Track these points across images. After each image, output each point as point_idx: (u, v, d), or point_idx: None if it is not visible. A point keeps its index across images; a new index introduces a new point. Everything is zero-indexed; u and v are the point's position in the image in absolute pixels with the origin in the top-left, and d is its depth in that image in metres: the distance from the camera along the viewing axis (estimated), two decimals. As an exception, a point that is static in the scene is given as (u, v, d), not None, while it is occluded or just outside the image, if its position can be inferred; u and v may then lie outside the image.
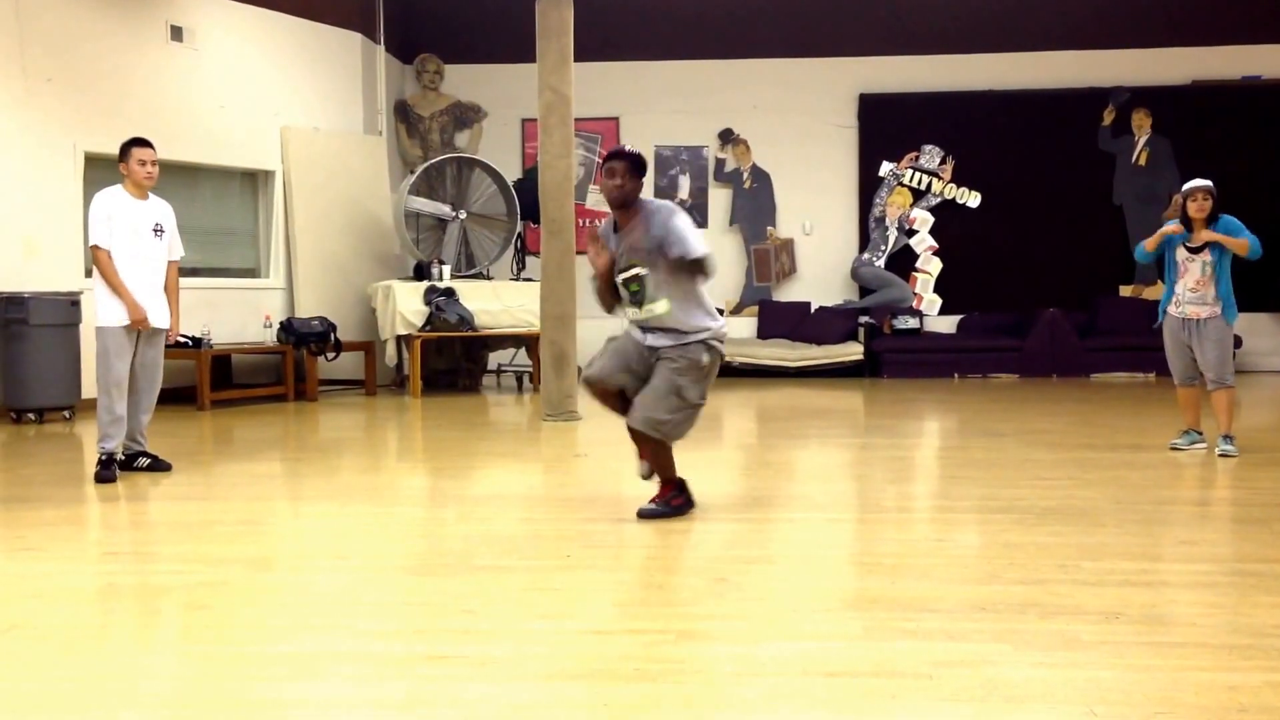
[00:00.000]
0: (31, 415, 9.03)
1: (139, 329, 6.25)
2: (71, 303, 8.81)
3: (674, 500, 5.02)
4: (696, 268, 4.72)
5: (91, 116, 9.71)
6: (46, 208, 9.33)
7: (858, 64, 13.75)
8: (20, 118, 9.41)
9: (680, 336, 4.83)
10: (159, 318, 6.40)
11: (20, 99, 9.42)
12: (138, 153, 6.31)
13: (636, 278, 4.79)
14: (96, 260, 6.22)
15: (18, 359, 8.88)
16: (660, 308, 4.78)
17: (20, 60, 9.43)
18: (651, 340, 4.87)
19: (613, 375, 4.94)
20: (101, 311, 6.24)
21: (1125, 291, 13.49)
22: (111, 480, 6.12)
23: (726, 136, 13.96)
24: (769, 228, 13.95)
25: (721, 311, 13.15)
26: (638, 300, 4.81)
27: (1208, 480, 6.04)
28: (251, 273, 11.73)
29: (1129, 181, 13.54)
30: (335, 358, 10.98)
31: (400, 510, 5.50)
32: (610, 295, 4.96)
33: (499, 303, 11.43)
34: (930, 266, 13.79)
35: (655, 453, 4.97)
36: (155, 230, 6.37)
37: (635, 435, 4.95)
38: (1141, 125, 13.52)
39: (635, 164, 4.79)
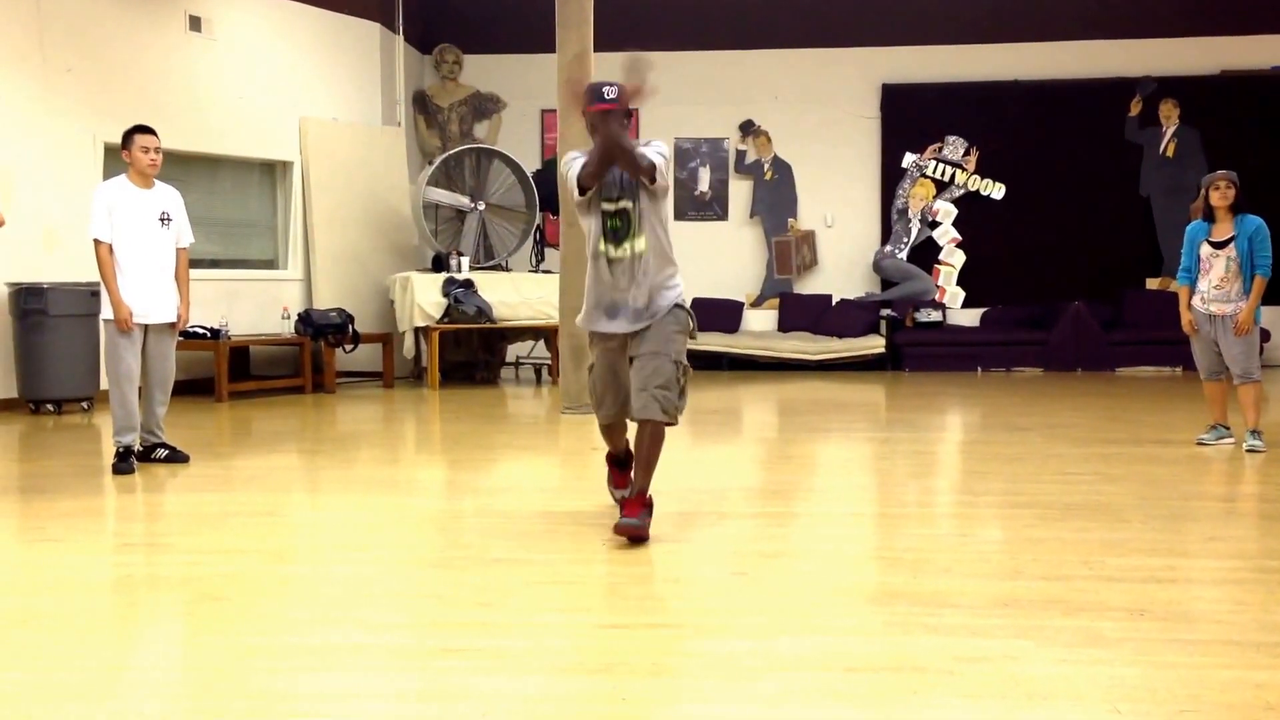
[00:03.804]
0: (50, 406, 9.05)
1: (123, 329, 6.18)
2: (91, 293, 8.82)
3: (647, 519, 4.47)
4: (647, 173, 4.38)
5: (111, 106, 9.73)
6: (66, 198, 9.36)
7: (880, 54, 13.67)
8: (40, 108, 9.44)
9: (654, 296, 4.50)
10: (165, 311, 6.35)
11: (40, 89, 9.45)
12: (140, 140, 6.25)
13: (623, 212, 4.47)
14: (96, 254, 6.18)
15: (36, 350, 8.90)
16: (641, 244, 4.46)
17: (40, 50, 9.46)
18: (627, 326, 4.52)
19: (623, 403, 4.63)
20: (107, 305, 6.22)
21: (1152, 284, 13.37)
22: (129, 472, 6.12)
23: (747, 128, 13.90)
24: (790, 219, 13.88)
25: (742, 306, 13.53)
26: (619, 236, 4.49)
27: (1234, 476, 5.98)
28: (269, 264, 11.74)
29: (1156, 173, 13.42)
30: (353, 349, 10.98)
31: (417, 502, 5.49)
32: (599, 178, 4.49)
33: (518, 295, 11.41)
34: (953, 259, 13.70)
35: (649, 459, 4.47)
36: (162, 219, 6.32)
37: (616, 459, 4.78)
38: (1169, 116, 13.38)
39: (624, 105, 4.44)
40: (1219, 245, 6.61)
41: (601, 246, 4.52)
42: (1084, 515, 4.81)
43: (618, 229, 4.49)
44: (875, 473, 6.37)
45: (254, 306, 11.12)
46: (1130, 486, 5.50)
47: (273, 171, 11.74)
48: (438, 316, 11.04)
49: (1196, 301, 6.73)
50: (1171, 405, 9.18)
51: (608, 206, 4.50)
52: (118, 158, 6.55)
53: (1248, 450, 6.54)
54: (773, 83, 13.80)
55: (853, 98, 13.79)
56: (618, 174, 4.48)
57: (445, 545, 4.49)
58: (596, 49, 8.83)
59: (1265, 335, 11.47)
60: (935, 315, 13.36)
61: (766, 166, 13.93)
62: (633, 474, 4.58)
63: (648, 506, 4.52)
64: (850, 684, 2.83)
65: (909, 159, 13.75)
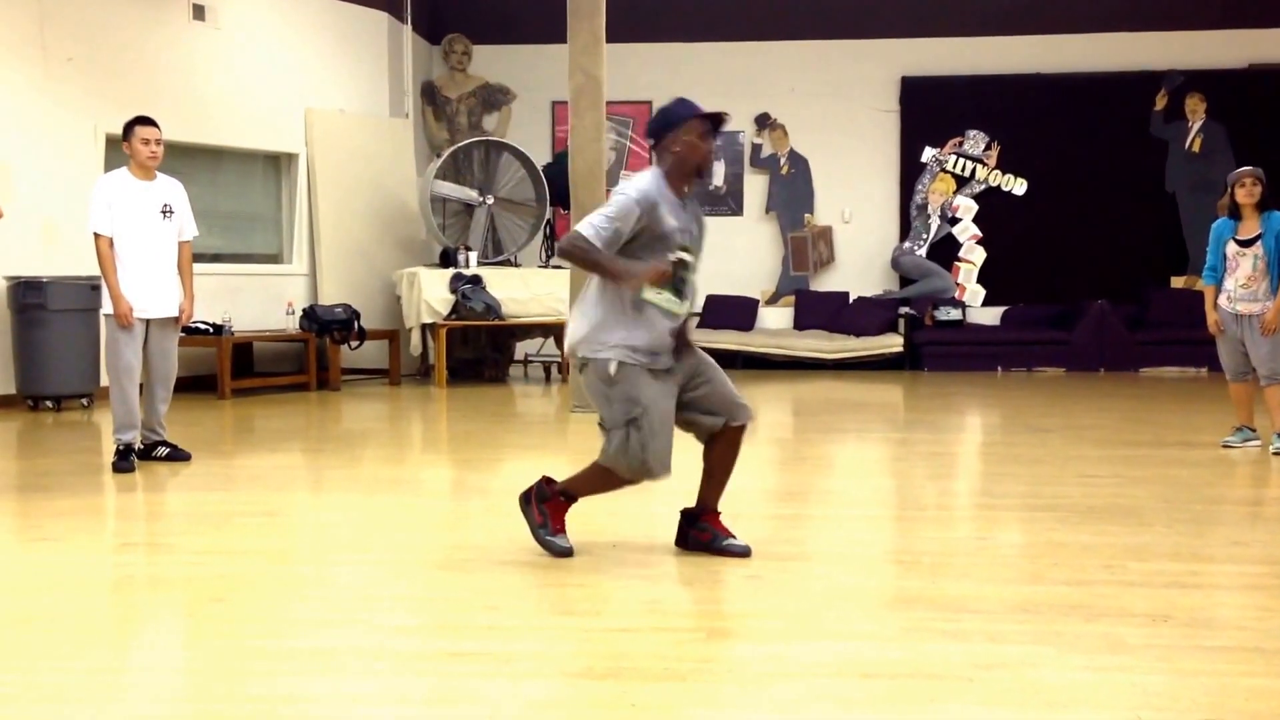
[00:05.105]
0: (49, 403, 8.96)
1: (124, 324, 6.11)
2: (92, 287, 8.68)
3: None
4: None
5: (112, 97, 9.62)
6: (67, 190, 9.23)
7: (900, 46, 13.54)
8: (41, 98, 9.36)
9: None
10: (167, 306, 6.28)
11: (41, 79, 9.38)
12: (140, 131, 6.19)
13: (690, 265, 3.91)
14: (96, 248, 6.12)
15: (36, 345, 8.78)
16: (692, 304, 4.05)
17: (40, 39, 9.40)
18: (669, 360, 4.02)
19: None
20: (108, 300, 6.16)
21: (1177, 283, 13.21)
22: (129, 470, 6.05)
23: (763, 121, 13.81)
24: (807, 215, 13.79)
25: (757, 303, 13.43)
26: (682, 289, 3.93)
27: (1260, 479, 5.93)
28: (274, 258, 11.68)
29: (1182, 168, 13.27)
30: (359, 346, 10.92)
31: (424, 503, 5.48)
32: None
33: (527, 291, 11.34)
34: (974, 256, 13.58)
35: (732, 467, 4.27)
36: (164, 211, 6.25)
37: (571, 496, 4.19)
38: (1195, 110, 13.22)
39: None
40: (1245, 243, 6.52)
41: (661, 296, 3.90)
42: (1106, 519, 4.76)
43: (684, 282, 3.91)
44: (893, 475, 6.36)
45: (257, 302, 11.01)
46: (1153, 489, 5.45)
47: (277, 164, 11.66)
48: (445, 313, 10.96)
49: (1222, 300, 6.65)
50: (1196, 407, 9.10)
51: (681, 255, 3.88)
52: (119, 149, 6.51)
53: (1274, 453, 6.45)
54: (789, 75, 13.68)
55: (871, 91, 13.66)
56: (684, 220, 3.96)
57: (452, 547, 4.46)
58: (609, 39, 8.75)
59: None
60: (955, 313, 13.25)
61: (783, 161, 13.83)
62: (708, 488, 4.24)
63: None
64: (866, 690, 2.81)
65: (929, 153, 13.63)
